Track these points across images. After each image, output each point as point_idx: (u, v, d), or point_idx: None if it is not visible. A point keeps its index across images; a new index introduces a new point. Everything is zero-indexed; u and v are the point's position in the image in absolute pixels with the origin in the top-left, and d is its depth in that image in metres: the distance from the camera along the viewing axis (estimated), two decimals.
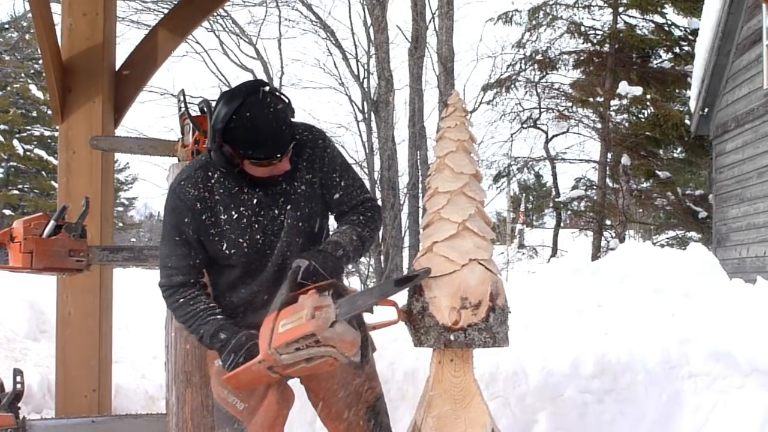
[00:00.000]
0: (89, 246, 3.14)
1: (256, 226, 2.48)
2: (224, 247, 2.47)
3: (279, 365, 2.24)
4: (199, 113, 3.10)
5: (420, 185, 14.81)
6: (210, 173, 2.47)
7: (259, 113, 2.33)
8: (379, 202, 2.83)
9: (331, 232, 2.62)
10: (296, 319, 2.21)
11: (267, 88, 2.40)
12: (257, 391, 2.44)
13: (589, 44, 17.46)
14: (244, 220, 2.47)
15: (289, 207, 2.51)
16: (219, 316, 2.44)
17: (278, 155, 2.37)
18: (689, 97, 14.22)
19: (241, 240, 2.47)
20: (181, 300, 2.48)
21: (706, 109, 12.46)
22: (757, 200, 10.83)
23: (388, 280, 2.55)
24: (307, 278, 2.34)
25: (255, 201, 2.49)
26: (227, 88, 2.50)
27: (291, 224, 2.51)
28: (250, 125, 2.32)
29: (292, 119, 2.45)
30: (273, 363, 2.23)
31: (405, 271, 14.61)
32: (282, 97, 2.44)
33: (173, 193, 2.46)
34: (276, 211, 2.51)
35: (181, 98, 3.07)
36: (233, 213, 2.47)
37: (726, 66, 11.85)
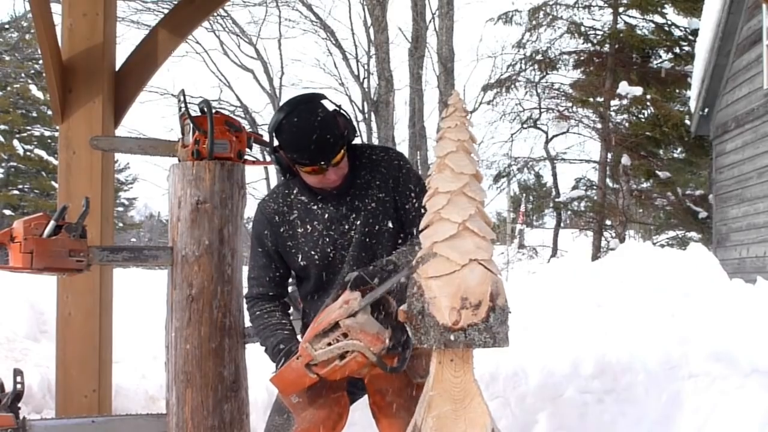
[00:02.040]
0: (89, 246, 3.14)
1: (327, 239, 2.59)
2: (299, 259, 2.60)
3: (316, 363, 2.29)
4: (199, 113, 3.10)
5: None
6: (289, 190, 2.63)
7: (305, 118, 2.45)
8: None
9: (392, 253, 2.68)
10: (326, 314, 2.28)
11: (324, 100, 2.54)
12: (313, 388, 2.47)
13: (589, 44, 17.48)
14: (316, 234, 2.59)
15: (359, 222, 2.60)
16: (286, 331, 2.57)
17: (322, 162, 2.45)
18: (689, 97, 14.23)
19: (313, 252, 2.59)
20: (258, 312, 2.63)
21: (706, 109, 12.47)
22: (757, 200, 10.83)
23: (402, 252, 2.58)
24: (354, 287, 2.38)
25: (327, 216, 2.60)
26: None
27: (360, 240, 2.60)
28: (295, 129, 2.45)
29: (351, 135, 2.55)
30: (309, 359, 2.29)
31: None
32: (341, 110, 2.56)
33: (258, 207, 2.65)
34: (347, 226, 2.60)
35: (181, 98, 3.07)
36: (308, 227, 2.60)
37: (726, 66, 11.85)
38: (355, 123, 2.61)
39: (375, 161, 2.63)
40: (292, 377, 2.39)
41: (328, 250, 2.60)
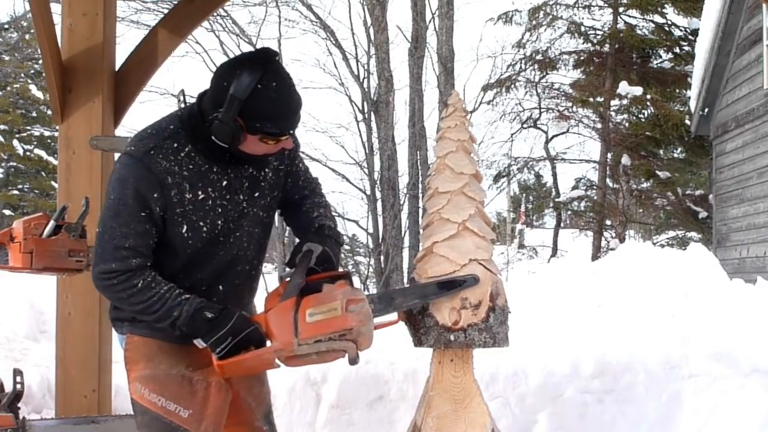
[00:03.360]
0: (89, 246, 3.14)
1: (219, 210, 2.25)
2: (184, 230, 2.21)
3: (291, 355, 2.12)
4: None
5: (420, 185, 14.79)
6: (179, 146, 2.20)
7: (283, 84, 2.16)
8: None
9: (310, 212, 2.45)
10: (328, 310, 2.10)
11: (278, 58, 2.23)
12: (197, 394, 2.26)
13: (589, 44, 17.48)
14: (209, 202, 2.24)
15: (256, 194, 2.33)
16: (189, 296, 2.18)
17: (292, 131, 2.23)
18: (689, 97, 14.23)
19: (201, 224, 2.23)
20: (141, 284, 2.16)
21: (706, 109, 12.46)
22: (757, 200, 10.83)
23: (430, 282, 2.38)
24: (319, 264, 2.23)
25: (224, 183, 2.26)
26: (230, 56, 2.29)
27: (255, 213, 2.33)
28: (276, 96, 2.14)
29: None
30: (288, 354, 2.11)
31: (405, 273, 14.61)
32: None
33: (139, 162, 2.15)
34: (240, 197, 2.30)
35: (181, 98, 3.06)
36: (199, 193, 2.22)
37: (726, 66, 11.85)
38: None
39: None
40: (252, 365, 2.18)
41: (219, 222, 2.26)
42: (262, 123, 2.15)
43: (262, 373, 2.45)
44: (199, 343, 2.16)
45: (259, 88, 2.12)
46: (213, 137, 2.17)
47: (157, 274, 2.21)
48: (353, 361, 2.17)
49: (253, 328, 2.15)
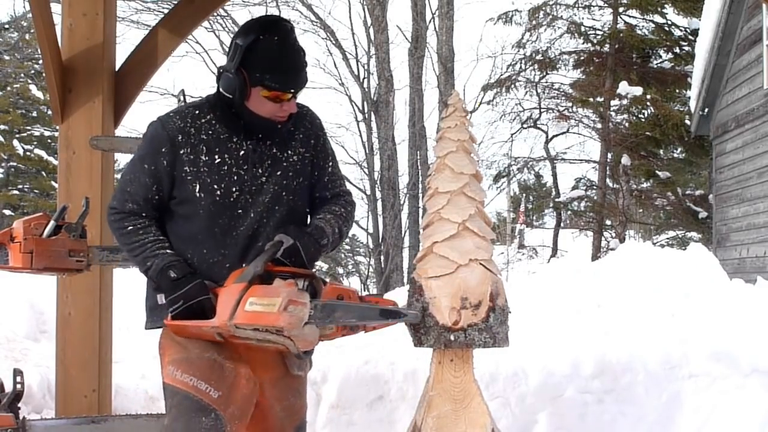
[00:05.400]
0: (89, 246, 3.14)
1: (236, 177, 2.35)
2: (197, 189, 2.33)
3: (231, 334, 2.20)
4: None
5: (420, 185, 14.81)
6: (201, 113, 2.38)
7: (286, 38, 2.31)
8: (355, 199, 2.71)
9: (315, 217, 2.50)
10: (267, 304, 2.13)
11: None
12: (227, 379, 2.31)
13: (589, 44, 17.48)
14: (225, 168, 2.35)
15: (278, 173, 2.41)
16: (169, 251, 2.33)
17: (293, 90, 2.32)
18: (689, 97, 14.23)
19: (215, 186, 2.34)
20: (130, 227, 2.35)
21: (706, 109, 12.46)
22: (757, 200, 10.83)
23: (373, 307, 2.38)
24: (286, 256, 2.27)
25: (242, 153, 2.37)
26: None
27: (275, 191, 2.40)
28: (276, 47, 2.28)
29: None
30: (226, 333, 2.20)
31: (405, 273, 14.62)
32: None
33: (158, 121, 2.37)
34: (260, 171, 2.39)
35: (181, 98, 3.07)
36: (216, 157, 2.34)
37: (726, 66, 11.85)
38: None
39: (300, 114, 2.45)
40: (194, 333, 2.28)
41: (234, 189, 2.35)
42: (262, 74, 2.27)
43: (299, 386, 2.48)
44: (160, 298, 2.31)
45: (261, 39, 2.27)
46: (221, 90, 2.34)
47: (156, 225, 2.38)
48: (298, 355, 2.25)
49: (206, 298, 2.26)
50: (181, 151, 2.33)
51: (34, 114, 25.68)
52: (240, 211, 2.37)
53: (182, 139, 2.33)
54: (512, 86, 17.57)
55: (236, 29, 2.40)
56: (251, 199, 2.37)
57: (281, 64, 2.28)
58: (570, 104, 17.81)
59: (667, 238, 20.48)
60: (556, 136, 18.60)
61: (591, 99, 17.17)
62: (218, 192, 2.34)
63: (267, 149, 2.40)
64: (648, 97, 16.03)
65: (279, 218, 2.40)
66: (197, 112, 2.38)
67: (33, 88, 23.63)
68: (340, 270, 23.11)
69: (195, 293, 2.26)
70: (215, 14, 13.56)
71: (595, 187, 18.18)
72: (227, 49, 2.40)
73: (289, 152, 2.43)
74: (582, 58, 17.48)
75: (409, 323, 2.64)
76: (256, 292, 2.17)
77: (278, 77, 2.28)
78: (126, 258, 2.42)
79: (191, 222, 2.37)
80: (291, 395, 2.46)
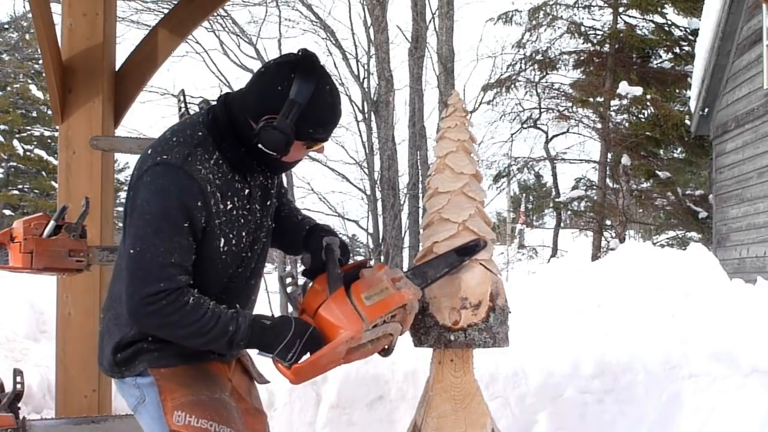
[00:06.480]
0: (89, 246, 3.14)
1: (242, 221, 2.13)
2: (221, 243, 2.07)
3: (353, 346, 2.08)
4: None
5: (420, 185, 14.80)
6: (208, 153, 2.06)
7: (335, 88, 2.10)
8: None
9: (291, 216, 2.41)
10: (380, 291, 2.09)
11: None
12: (239, 419, 2.16)
13: (589, 44, 17.49)
14: (235, 212, 2.10)
15: (268, 203, 2.23)
16: (233, 309, 2.04)
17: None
18: (689, 97, 14.23)
19: (231, 236, 2.09)
20: (192, 300, 1.98)
21: (706, 109, 12.47)
22: (757, 200, 10.83)
23: (449, 251, 2.38)
24: (341, 255, 2.21)
25: (246, 192, 2.15)
26: (268, 61, 2.15)
27: (267, 224, 2.24)
28: (331, 100, 2.06)
29: None
30: (360, 341, 2.07)
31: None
32: None
33: (180, 170, 1.98)
34: (257, 206, 2.19)
35: (181, 98, 3.07)
36: (228, 203, 2.08)
37: (726, 66, 11.85)
38: None
39: None
40: (325, 363, 2.08)
41: (243, 233, 2.13)
42: (315, 128, 2.06)
43: (253, 373, 2.40)
44: (263, 354, 2.06)
45: (317, 94, 2.03)
46: (260, 145, 2.04)
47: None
48: (390, 351, 2.23)
49: (313, 328, 2.06)
50: (211, 202, 2.03)
51: (34, 114, 25.71)
52: (245, 254, 2.16)
53: (209, 189, 2.02)
54: (512, 86, 17.58)
55: (270, 68, 2.09)
56: (253, 238, 2.18)
57: (336, 115, 2.10)
58: (570, 104, 17.83)
59: (667, 238, 20.48)
60: (556, 136, 18.63)
61: (591, 99, 17.19)
62: (233, 241, 2.10)
63: (256, 181, 2.20)
64: (648, 97, 16.04)
65: (267, 249, 2.27)
66: (206, 152, 2.06)
67: (33, 88, 23.64)
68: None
69: (302, 328, 2.05)
70: (215, 14, 13.56)
71: (595, 187, 18.19)
72: (260, 97, 2.05)
73: (276, 178, 2.29)
74: (582, 58, 17.50)
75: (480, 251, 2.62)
76: (361, 288, 2.11)
77: (330, 129, 2.11)
78: (186, 337, 2.01)
79: (200, 274, 2.06)
80: (254, 387, 2.40)
